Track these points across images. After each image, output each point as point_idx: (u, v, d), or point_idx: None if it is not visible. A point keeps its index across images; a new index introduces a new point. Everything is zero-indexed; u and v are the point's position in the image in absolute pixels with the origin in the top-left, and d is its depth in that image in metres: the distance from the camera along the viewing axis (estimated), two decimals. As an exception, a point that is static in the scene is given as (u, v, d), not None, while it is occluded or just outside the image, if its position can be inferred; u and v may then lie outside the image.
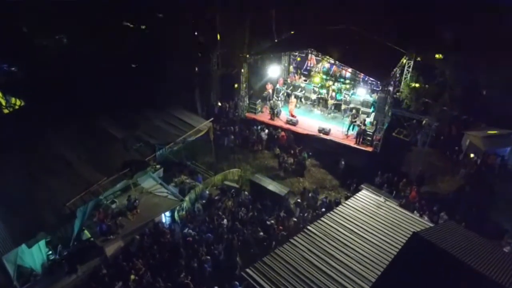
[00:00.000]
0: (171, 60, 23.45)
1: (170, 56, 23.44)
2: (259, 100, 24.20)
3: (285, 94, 25.37)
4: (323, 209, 18.17)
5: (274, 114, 23.42)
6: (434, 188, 20.31)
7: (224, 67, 25.21)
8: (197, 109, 24.68)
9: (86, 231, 16.16)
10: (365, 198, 14.76)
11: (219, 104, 25.67)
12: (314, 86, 24.51)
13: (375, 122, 20.73)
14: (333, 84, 24.10)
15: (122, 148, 17.46)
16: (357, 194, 15.19)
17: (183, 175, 21.06)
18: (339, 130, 22.11)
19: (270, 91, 24.81)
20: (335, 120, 23.51)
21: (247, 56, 22.59)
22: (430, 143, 21.13)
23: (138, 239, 16.43)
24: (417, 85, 22.88)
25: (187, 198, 18.37)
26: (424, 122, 20.72)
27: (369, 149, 20.48)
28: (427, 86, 22.76)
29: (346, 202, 14.81)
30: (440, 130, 22.67)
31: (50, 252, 15.21)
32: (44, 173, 15.67)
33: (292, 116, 23.54)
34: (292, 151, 22.26)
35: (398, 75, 24.39)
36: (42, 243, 14.27)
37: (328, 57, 20.84)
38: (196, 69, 24.49)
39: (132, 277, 14.88)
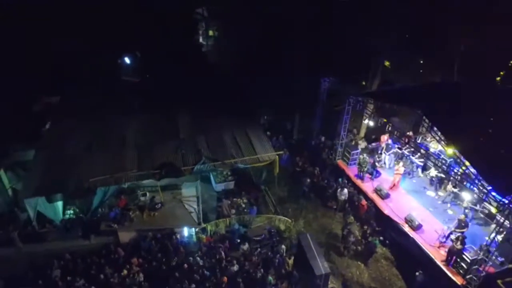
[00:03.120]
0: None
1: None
2: (359, 150, 20.70)
3: (397, 154, 20.79)
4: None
5: (363, 172, 19.70)
6: None
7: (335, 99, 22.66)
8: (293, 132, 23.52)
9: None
10: None
11: (322, 138, 23.46)
12: (443, 158, 18.92)
13: (488, 247, 14.22)
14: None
15: (174, 148, 18.57)
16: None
17: (245, 198, 20.71)
18: (438, 230, 16.59)
19: (384, 145, 20.87)
20: (445, 215, 17.73)
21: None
22: None
23: (151, 237, 17.44)
24: None
25: (212, 223, 18.11)
26: None
27: (459, 280, 14.52)
28: None
29: None
30: None
31: (72, 212, 18.00)
32: (100, 144, 18.54)
33: (393, 187, 19.21)
34: (366, 228, 18.37)
35: None
36: (60, 203, 17.12)
37: (436, 135, 15.32)
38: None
39: (124, 272, 16.00)
